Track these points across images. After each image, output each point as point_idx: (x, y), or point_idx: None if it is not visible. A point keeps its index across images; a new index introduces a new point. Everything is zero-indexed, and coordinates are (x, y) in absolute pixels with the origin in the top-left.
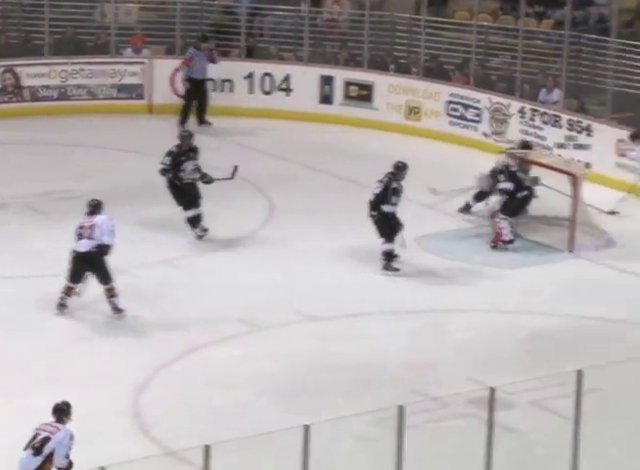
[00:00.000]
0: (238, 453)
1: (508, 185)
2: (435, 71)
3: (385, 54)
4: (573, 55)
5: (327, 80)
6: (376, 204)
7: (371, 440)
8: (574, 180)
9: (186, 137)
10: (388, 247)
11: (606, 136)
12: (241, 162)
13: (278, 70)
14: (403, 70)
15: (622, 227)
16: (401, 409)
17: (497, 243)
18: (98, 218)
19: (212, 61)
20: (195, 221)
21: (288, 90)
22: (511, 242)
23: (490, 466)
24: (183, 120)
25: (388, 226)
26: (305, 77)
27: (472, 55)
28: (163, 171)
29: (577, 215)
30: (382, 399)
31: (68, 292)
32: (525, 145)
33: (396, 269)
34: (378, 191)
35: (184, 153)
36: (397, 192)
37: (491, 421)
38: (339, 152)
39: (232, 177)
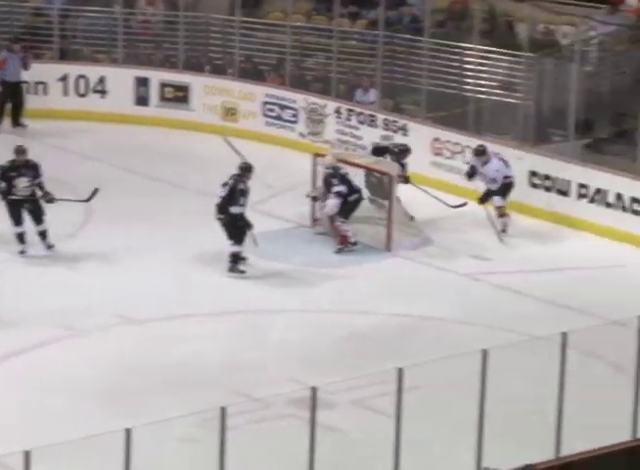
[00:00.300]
0: (59, 459)
1: (343, 188)
2: (251, 72)
3: (200, 55)
4: (388, 55)
5: (142, 82)
6: (222, 207)
7: (195, 441)
8: (389, 180)
9: (20, 152)
10: (235, 249)
11: (421, 135)
12: (57, 164)
13: (92, 71)
14: (219, 70)
15: (439, 226)
16: (223, 411)
17: (345, 246)
18: None
19: (25, 67)
20: (44, 235)
21: (103, 92)
22: (355, 244)
23: (313, 466)
24: None
25: (237, 228)
26: (120, 79)
27: (286, 55)
28: None
29: (393, 215)
30: (204, 401)
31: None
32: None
33: (242, 271)
34: (224, 194)
35: (16, 168)
36: (244, 193)
37: (313, 421)
38: (156, 154)
39: (88, 200)
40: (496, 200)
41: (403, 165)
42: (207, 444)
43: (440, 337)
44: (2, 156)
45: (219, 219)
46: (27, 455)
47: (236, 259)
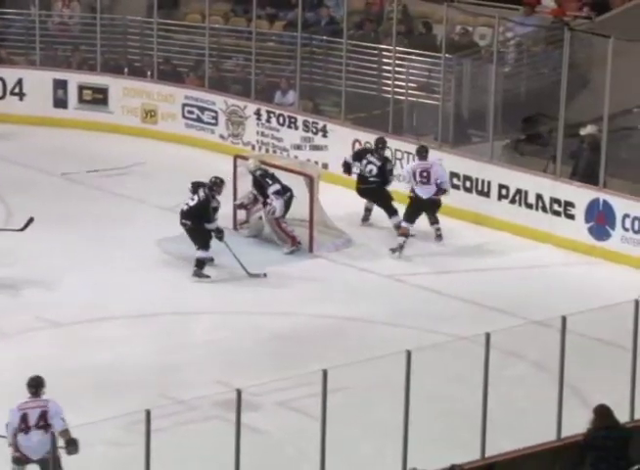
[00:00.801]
0: None
1: (279, 187)
2: (170, 74)
3: (118, 57)
4: (306, 56)
5: (60, 84)
6: (189, 214)
7: (121, 444)
8: (310, 181)
9: None
10: (201, 254)
11: (341, 137)
12: None
13: (10, 73)
14: (138, 73)
15: (361, 227)
16: (148, 413)
17: (296, 246)
18: None
19: None
20: None
21: (21, 94)
22: (301, 243)
23: (239, 468)
24: None
25: (201, 234)
26: (38, 81)
27: (205, 57)
28: None
29: (314, 216)
30: (129, 403)
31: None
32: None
33: (208, 276)
34: (192, 204)
35: None
36: (216, 210)
37: (239, 423)
38: (75, 156)
39: (23, 229)
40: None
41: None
42: (134, 447)
43: (364, 338)
44: None
45: (183, 225)
46: None
47: (201, 265)
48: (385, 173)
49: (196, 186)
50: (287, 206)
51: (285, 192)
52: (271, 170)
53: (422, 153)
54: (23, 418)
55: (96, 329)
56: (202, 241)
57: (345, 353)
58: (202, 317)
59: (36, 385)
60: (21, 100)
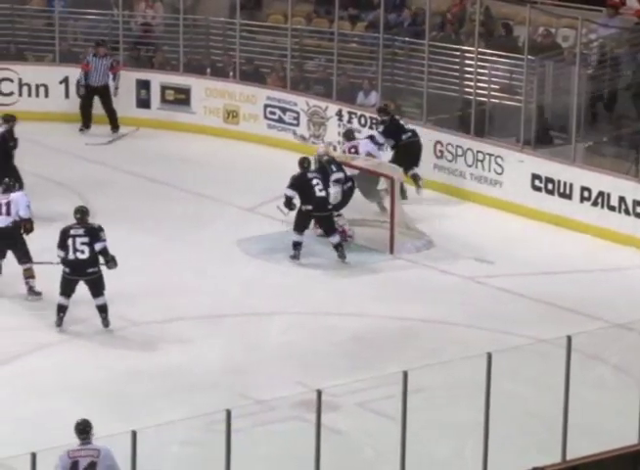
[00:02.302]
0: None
1: (341, 175)
2: (252, 75)
3: (201, 58)
4: (388, 57)
5: (143, 84)
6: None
7: (198, 444)
8: (391, 182)
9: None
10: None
11: (423, 137)
12: (57, 165)
13: None
14: (220, 73)
15: (442, 229)
16: (229, 413)
17: (345, 239)
18: (14, 195)
19: (113, 71)
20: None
21: None
22: (352, 237)
23: (319, 468)
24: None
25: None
26: (121, 82)
27: (287, 58)
28: None
29: (395, 217)
30: (207, 404)
31: None
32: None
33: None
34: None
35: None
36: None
37: (319, 423)
38: (157, 156)
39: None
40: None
41: None
42: (211, 447)
43: (442, 340)
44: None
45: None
46: (34, 457)
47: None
48: None
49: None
50: (345, 196)
51: (346, 181)
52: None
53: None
54: (73, 466)
55: (173, 329)
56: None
57: (424, 355)
58: (279, 318)
59: (85, 430)
60: None
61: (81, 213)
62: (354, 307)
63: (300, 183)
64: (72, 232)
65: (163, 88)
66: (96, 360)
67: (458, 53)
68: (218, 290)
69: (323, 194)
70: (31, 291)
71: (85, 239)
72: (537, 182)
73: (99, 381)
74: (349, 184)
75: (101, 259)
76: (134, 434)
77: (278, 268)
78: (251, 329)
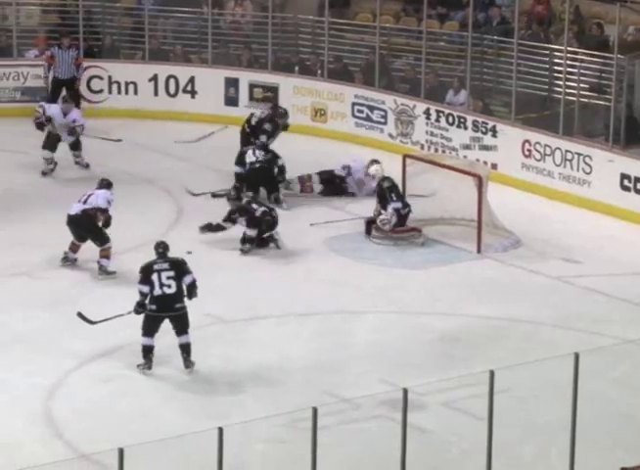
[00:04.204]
0: (151, 457)
1: (400, 205)
2: (340, 73)
3: (289, 56)
4: (477, 56)
5: (232, 82)
6: None
7: (283, 442)
8: (479, 181)
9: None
10: None
11: (511, 137)
12: (146, 164)
13: (182, 72)
14: (308, 71)
15: (530, 228)
16: (315, 411)
17: (422, 235)
18: (100, 190)
19: (77, 63)
20: None
21: (193, 92)
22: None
23: (405, 468)
24: None
25: None
26: (210, 79)
27: (375, 56)
28: None
29: (483, 216)
30: (291, 402)
31: (73, 248)
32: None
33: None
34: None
35: None
36: None
37: (405, 422)
38: None
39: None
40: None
41: None
42: (297, 444)
43: (530, 339)
44: None
45: None
46: (121, 453)
47: None
48: None
49: None
50: (402, 221)
51: (404, 207)
52: (396, 184)
53: None
54: None
55: (260, 327)
56: None
57: (511, 355)
58: (366, 316)
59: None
60: (192, 98)
61: (163, 248)
62: (441, 307)
63: None
64: (157, 267)
65: (252, 86)
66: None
67: (547, 52)
68: (305, 288)
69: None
70: (102, 269)
71: (171, 273)
72: (626, 182)
73: (187, 379)
74: (407, 210)
75: None
76: (221, 431)
77: (365, 267)
78: (340, 327)
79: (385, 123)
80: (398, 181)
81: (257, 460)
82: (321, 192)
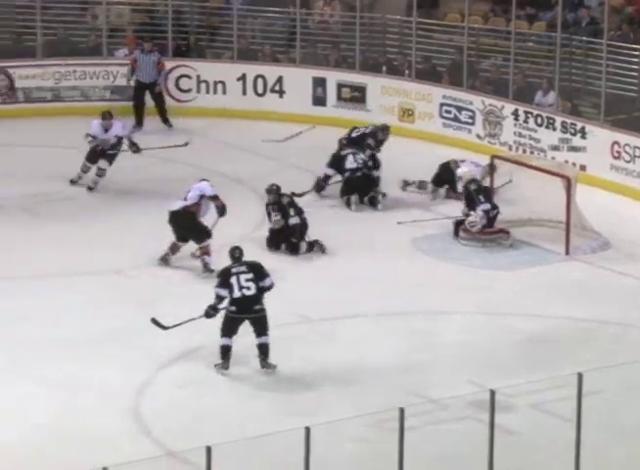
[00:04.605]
0: (238, 455)
1: (489, 206)
2: (428, 73)
3: (377, 56)
4: (566, 57)
5: (319, 82)
6: None
7: (370, 442)
8: (567, 183)
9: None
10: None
11: (600, 138)
12: (233, 163)
13: (270, 71)
14: (395, 71)
15: (618, 229)
16: (402, 411)
17: (509, 237)
18: (201, 183)
19: (160, 67)
20: None
21: (281, 92)
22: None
23: (492, 469)
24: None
25: None
26: (298, 79)
27: (463, 57)
28: None
29: (572, 218)
30: (378, 402)
31: (174, 248)
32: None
33: None
34: None
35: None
36: None
37: (492, 424)
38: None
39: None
40: None
41: None
42: (383, 444)
43: (618, 342)
44: None
45: None
46: (209, 451)
47: None
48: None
49: None
50: (490, 223)
51: (493, 209)
52: (484, 186)
53: None
54: None
55: (347, 326)
56: None
57: (599, 357)
58: (453, 317)
59: None
60: (280, 97)
61: (239, 252)
62: (530, 308)
63: None
64: (235, 270)
65: (339, 86)
66: (272, 355)
67: (637, 52)
68: (393, 287)
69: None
70: (206, 267)
71: (249, 275)
72: None
73: (271, 379)
74: (495, 212)
75: None
76: (308, 430)
77: (453, 267)
78: (426, 328)
79: (472, 124)
80: (486, 182)
81: (344, 460)
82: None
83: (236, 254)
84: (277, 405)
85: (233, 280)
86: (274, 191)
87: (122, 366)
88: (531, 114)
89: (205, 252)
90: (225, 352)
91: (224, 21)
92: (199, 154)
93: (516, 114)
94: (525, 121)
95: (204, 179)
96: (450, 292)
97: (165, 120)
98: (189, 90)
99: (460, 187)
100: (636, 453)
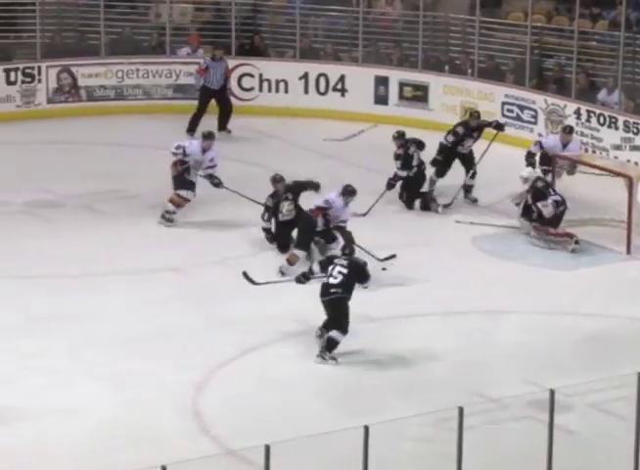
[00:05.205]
0: (297, 453)
1: (559, 198)
2: (490, 72)
3: (439, 55)
4: (629, 56)
5: (382, 81)
6: None
7: (429, 441)
8: (629, 182)
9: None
10: None
11: None
12: (295, 160)
13: (333, 70)
14: (458, 70)
15: None
16: (461, 410)
17: (574, 241)
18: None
19: (227, 75)
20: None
21: (343, 90)
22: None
23: (551, 468)
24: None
25: None
26: (360, 78)
27: (526, 56)
28: None
29: (633, 217)
30: (437, 401)
31: (291, 259)
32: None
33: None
34: None
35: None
36: None
37: (552, 423)
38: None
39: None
40: None
41: None
42: (443, 444)
43: None
44: None
45: None
46: (267, 449)
47: None
48: None
49: None
50: (559, 217)
51: (562, 203)
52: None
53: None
54: None
55: (404, 325)
56: None
57: None
58: (513, 316)
59: None
60: (342, 96)
61: (350, 250)
62: (590, 308)
63: None
64: (337, 261)
65: (401, 85)
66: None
67: None
68: (454, 287)
69: None
70: (282, 271)
71: (345, 270)
72: None
73: (333, 375)
74: (562, 208)
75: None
76: (366, 429)
77: (514, 266)
78: (486, 327)
79: (535, 123)
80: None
81: (403, 459)
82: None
83: (346, 251)
84: (338, 404)
85: (330, 267)
86: (281, 180)
87: (183, 363)
88: (594, 113)
89: (291, 261)
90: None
91: (287, 19)
92: (262, 153)
93: (578, 113)
94: (588, 121)
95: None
96: (511, 291)
97: (225, 127)
98: (251, 89)
99: (527, 187)
100: None
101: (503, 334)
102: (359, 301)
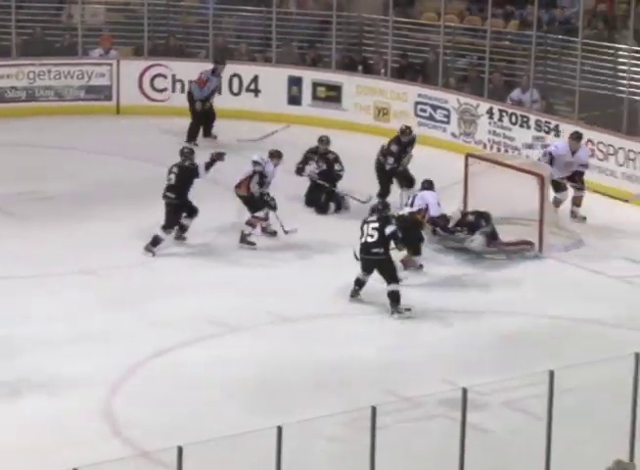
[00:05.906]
0: (210, 455)
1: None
2: (403, 72)
3: (353, 55)
4: (541, 55)
5: (295, 81)
6: None
7: (343, 440)
8: (541, 181)
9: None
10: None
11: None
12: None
13: (246, 70)
14: (371, 70)
15: (591, 228)
16: (374, 410)
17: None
18: (426, 192)
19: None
20: None
21: (256, 91)
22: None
23: (463, 467)
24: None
25: None
26: (273, 78)
27: (439, 55)
28: None
29: (545, 216)
30: (352, 400)
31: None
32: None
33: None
34: None
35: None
36: None
37: (464, 422)
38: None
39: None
40: None
41: None
42: (356, 443)
43: (592, 340)
44: None
45: None
46: (180, 451)
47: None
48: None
49: None
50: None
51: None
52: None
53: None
54: None
55: (318, 326)
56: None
57: (574, 355)
58: (430, 316)
59: None
60: (256, 96)
61: (383, 206)
62: (503, 307)
63: None
64: (368, 219)
65: (315, 85)
66: (248, 354)
67: (611, 51)
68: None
69: None
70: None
71: (376, 224)
72: None
73: (249, 375)
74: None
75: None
76: (279, 429)
77: (430, 267)
78: (402, 327)
79: (447, 123)
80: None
81: (317, 459)
82: None
83: (379, 207)
84: (252, 405)
85: (364, 227)
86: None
87: (96, 365)
88: (506, 112)
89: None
90: (356, 281)
91: (200, 20)
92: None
93: (490, 112)
94: (500, 120)
95: (426, 181)
96: (426, 290)
97: (210, 133)
98: (164, 89)
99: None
100: (608, 451)
101: (419, 333)
102: (273, 302)
